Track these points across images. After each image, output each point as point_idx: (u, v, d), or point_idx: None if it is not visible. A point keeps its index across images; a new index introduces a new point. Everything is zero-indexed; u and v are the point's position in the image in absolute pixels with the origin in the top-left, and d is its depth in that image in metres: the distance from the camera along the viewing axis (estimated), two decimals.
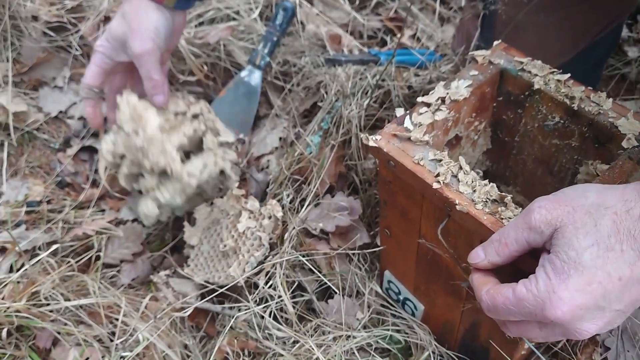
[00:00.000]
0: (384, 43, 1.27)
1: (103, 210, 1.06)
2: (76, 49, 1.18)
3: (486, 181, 0.57)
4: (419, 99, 0.67)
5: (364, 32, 1.27)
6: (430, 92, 0.67)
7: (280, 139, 1.12)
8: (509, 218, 0.54)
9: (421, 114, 0.65)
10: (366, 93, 1.00)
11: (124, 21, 0.80)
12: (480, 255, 0.52)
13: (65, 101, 1.17)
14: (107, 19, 1.18)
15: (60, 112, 1.16)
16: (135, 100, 0.84)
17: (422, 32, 1.22)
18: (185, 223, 0.97)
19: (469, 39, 0.95)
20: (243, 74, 1.14)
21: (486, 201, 0.56)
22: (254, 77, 1.14)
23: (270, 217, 0.89)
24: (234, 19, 1.23)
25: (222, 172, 0.93)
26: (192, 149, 0.90)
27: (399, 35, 1.23)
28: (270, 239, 0.90)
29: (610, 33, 0.94)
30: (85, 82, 0.88)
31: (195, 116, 0.90)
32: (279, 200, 0.94)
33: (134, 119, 0.83)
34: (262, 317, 0.83)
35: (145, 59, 0.81)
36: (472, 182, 0.57)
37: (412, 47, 1.19)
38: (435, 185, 0.58)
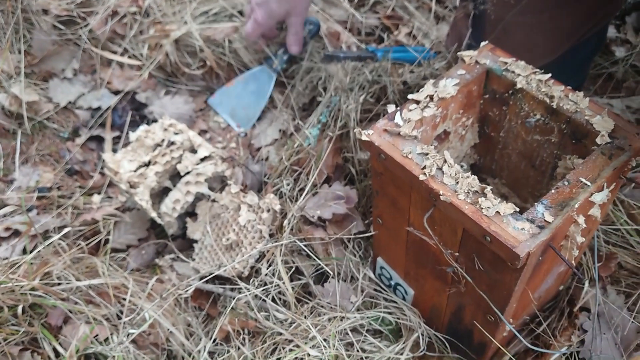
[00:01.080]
0: (381, 40, 1.31)
1: (110, 198, 1.11)
2: (85, 42, 1.22)
3: (469, 173, 0.62)
4: (409, 97, 0.71)
5: (362, 29, 1.31)
6: (420, 90, 0.72)
7: (280, 131, 1.17)
8: (489, 208, 0.59)
9: (411, 110, 0.70)
10: (363, 88, 1.05)
11: (286, 4, 1.10)
12: None
13: (74, 92, 1.21)
14: (115, 13, 1.23)
15: (69, 102, 1.20)
16: (109, 157, 1.00)
17: (418, 30, 1.27)
18: (188, 219, 1.02)
19: (460, 38, 1.00)
20: (255, 70, 1.18)
21: (468, 192, 0.61)
22: (267, 78, 1.17)
23: (269, 210, 0.94)
24: (236, 16, 1.27)
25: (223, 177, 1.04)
26: (172, 175, 1.02)
27: (395, 32, 1.28)
28: (270, 230, 0.95)
29: (596, 33, 0.98)
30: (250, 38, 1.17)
31: (171, 143, 1.00)
32: (278, 189, 0.99)
33: (112, 172, 0.99)
34: (262, 299, 0.88)
35: (297, 24, 1.13)
36: (456, 174, 0.62)
37: (408, 44, 1.23)
38: (422, 177, 0.63)
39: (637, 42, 1.20)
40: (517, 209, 0.58)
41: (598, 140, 0.65)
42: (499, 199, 0.60)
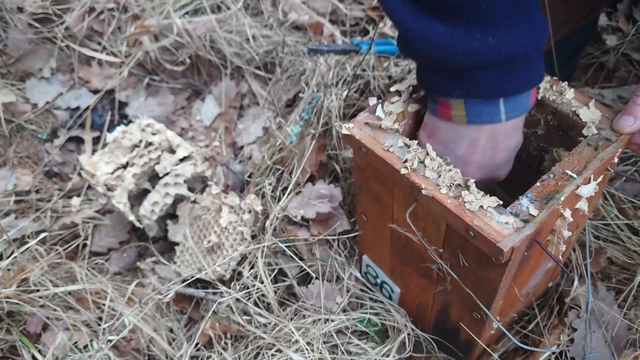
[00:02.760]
0: (366, 32, 1.28)
1: (91, 200, 1.08)
2: (61, 40, 1.19)
3: (452, 166, 0.60)
4: (392, 88, 0.69)
5: (346, 21, 1.28)
6: (403, 81, 0.69)
7: (263, 128, 1.14)
8: (472, 202, 0.56)
9: (393, 102, 0.67)
10: (347, 83, 1.02)
11: None
12: (629, 120, 0.53)
13: (52, 92, 1.18)
14: (91, 10, 1.20)
15: (47, 102, 1.17)
16: (85, 159, 0.95)
17: None
18: (169, 221, 0.99)
19: None
20: None
21: (450, 186, 0.58)
22: None
23: (250, 211, 0.91)
24: (218, 7, 1.24)
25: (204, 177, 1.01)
26: (151, 177, 0.99)
27: (381, 25, 1.25)
28: (252, 231, 0.92)
29: (588, 23, 0.96)
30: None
31: (149, 144, 0.97)
32: (261, 189, 0.97)
33: (89, 175, 0.95)
34: (244, 303, 0.86)
35: None
36: (438, 167, 0.60)
37: (393, 36, 1.21)
38: (403, 171, 0.60)
39: (628, 30, 1.18)
40: (501, 202, 0.56)
41: (584, 131, 0.62)
42: (482, 192, 0.57)
